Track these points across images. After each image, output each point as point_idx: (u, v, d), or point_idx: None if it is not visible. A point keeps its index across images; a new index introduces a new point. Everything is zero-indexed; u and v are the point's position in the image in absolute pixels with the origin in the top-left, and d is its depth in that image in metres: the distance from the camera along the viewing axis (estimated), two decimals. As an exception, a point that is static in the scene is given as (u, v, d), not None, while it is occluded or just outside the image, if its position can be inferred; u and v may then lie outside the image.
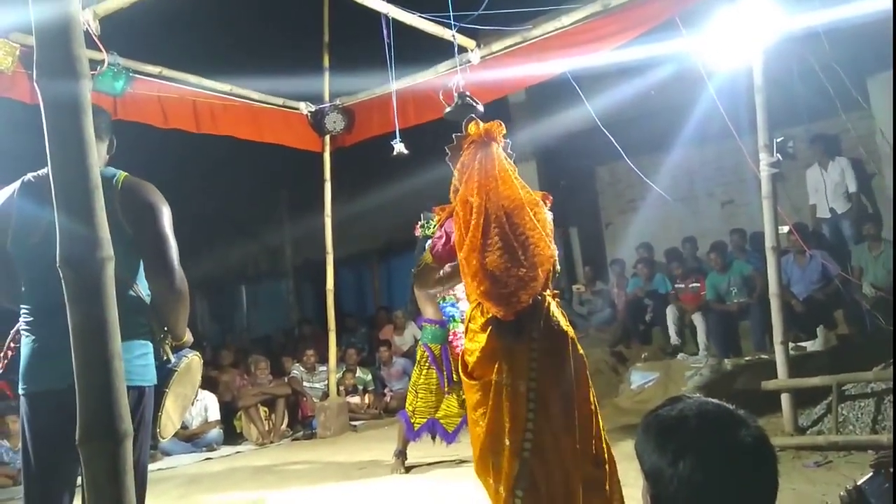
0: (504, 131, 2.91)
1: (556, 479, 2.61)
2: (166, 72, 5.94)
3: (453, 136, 2.94)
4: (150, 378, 2.21)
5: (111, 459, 1.30)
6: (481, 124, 2.88)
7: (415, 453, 5.15)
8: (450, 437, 4.78)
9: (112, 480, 1.31)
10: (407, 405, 4.89)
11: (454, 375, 4.56)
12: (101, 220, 1.39)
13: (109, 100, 5.56)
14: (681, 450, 1.14)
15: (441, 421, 4.73)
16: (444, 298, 4.69)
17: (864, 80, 6.33)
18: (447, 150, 2.97)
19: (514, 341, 2.69)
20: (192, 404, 7.24)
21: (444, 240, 3.03)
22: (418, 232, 4.85)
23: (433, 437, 4.84)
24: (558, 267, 2.87)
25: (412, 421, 4.79)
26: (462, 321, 4.48)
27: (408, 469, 5.02)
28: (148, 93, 5.88)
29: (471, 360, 2.79)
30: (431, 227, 4.63)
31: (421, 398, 4.77)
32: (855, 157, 7.13)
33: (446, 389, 4.71)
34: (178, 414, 2.35)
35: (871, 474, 1.60)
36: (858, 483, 1.58)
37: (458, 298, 4.64)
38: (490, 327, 2.73)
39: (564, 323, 2.78)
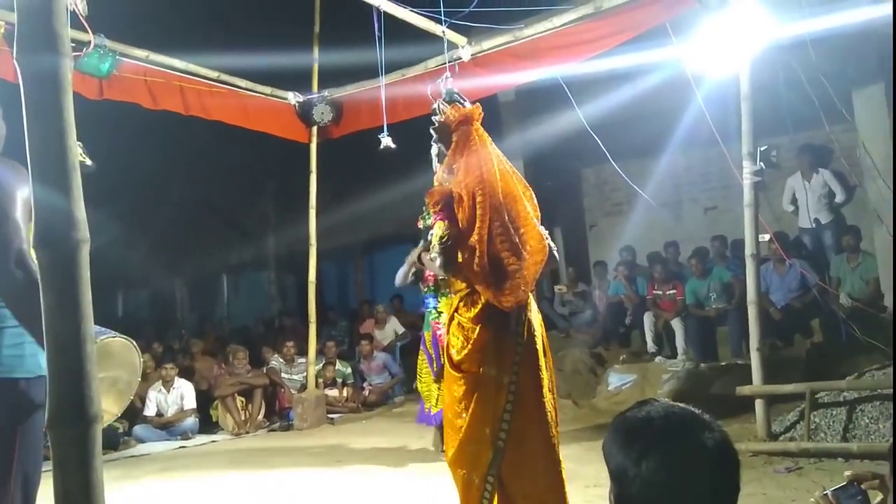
0: (482, 115, 2.96)
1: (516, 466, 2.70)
2: (153, 56, 5.88)
3: (433, 119, 2.98)
4: (27, 369, 2.01)
5: (81, 443, 1.29)
6: (460, 108, 2.95)
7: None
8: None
9: (81, 464, 1.30)
10: (423, 394, 5.23)
11: (442, 359, 4.70)
12: (78, 200, 1.37)
13: (94, 81, 5.50)
14: (645, 450, 1.15)
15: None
16: (424, 290, 5.01)
17: (850, 93, 6.40)
18: (433, 133, 3.01)
19: (504, 334, 2.76)
20: (169, 392, 7.19)
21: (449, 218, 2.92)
22: (420, 224, 4.94)
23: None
24: (557, 258, 2.91)
25: (431, 409, 5.09)
26: (440, 312, 4.84)
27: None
28: (134, 76, 5.81)
29: (458, 354, 2.83)
30: (427, 220, 4.78)
31: (424, 383, 5.17)
32: (837, 170, 7.22)
33: (435, 370, 4.97)
34: (111, 399, 2.23)
35: (845, 483, 1.62)
36: (831, 490, 1.60)
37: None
38: (480, 322, 2.77)
39: (540, 318, 2.91)
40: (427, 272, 5.11)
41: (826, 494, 1.58)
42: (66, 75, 1.38)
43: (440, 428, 4.96)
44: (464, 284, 2.89)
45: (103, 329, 2.19)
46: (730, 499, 1.16)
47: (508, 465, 2.72)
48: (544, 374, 2.81)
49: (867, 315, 6.09)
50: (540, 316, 2.92)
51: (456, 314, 2.89)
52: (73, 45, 5.23)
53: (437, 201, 2.94)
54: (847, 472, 1.66)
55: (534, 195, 2.97)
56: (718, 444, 1.16)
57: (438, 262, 2.90)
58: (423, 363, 5.21)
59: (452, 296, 3.01)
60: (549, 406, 2.79)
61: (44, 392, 1.94)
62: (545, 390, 2.80)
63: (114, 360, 2.23)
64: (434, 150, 3.08)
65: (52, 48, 1.37)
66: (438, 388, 4.96)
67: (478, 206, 2.77)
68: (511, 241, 2.76)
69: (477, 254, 2.74)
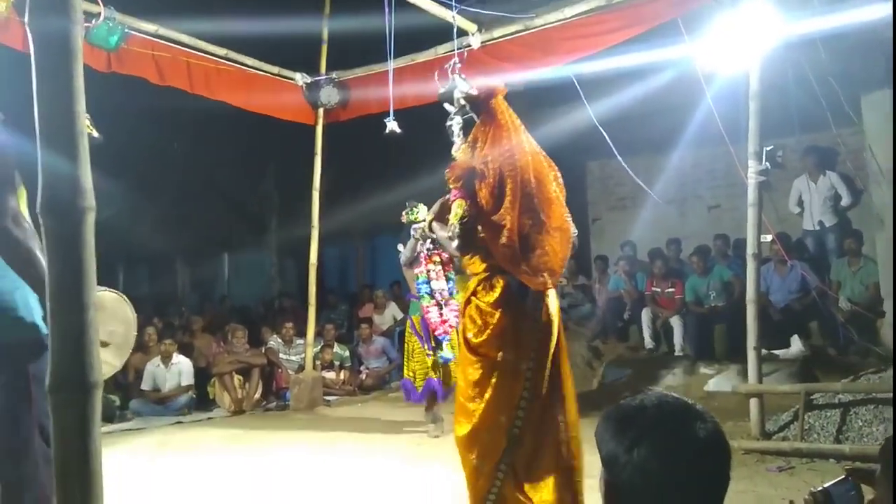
0: (506, 91, 3.01)
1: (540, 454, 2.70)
2: (162, 30, 5.87)
3: (454, 93, 2.98)
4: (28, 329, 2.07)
5: (81, 409, 1.30)
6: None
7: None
8: (443, 395, 5.42)
9: (81, 431, 1.31)
10: (406, 373, 5.60)
11: (431, 342, 5.32)
12: (85, 167, 1.37)
13: (103, 53, 5.49)
14: (637, 438, 1.16)
15: (431, 376, 5.38)
16: (417, 276, 5.36)
17: (858, 96, 6.37)
18: (455, 106, 3.01)
19: (523, 319, 2.76)
20: (168, 367, 7.22)
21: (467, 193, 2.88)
22: (404, 219, 5.44)
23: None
24: (576, 243, 2.92)
25: (415, 384, 5.46)
26: (431, 297, 5.27)
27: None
28: (142, 50, 5.80)
29: (475, 338, 2.81)
30: (415, 214, 5.34)
31: (416, 361, 5.46)
32: (843, 173, 7.20)
33: (428, 352, 5.39)
34: (109, 353, 2.27)
35: (839, 478, 1.63)
36: (826, 486, 1.61)
37: (430, 278, 5.35)
38: (500, 307, 2.76)
39: (558, 304, 2.90)
40: (422, 257, 5.35)
41: (822, 490, 1.60)
42: (76, 41, 1.38)
43: (431, 400, 5.47)
44: (482, 267, 2.87)
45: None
46: (719, 489, 1.17)
47: (523, 455, 2.71)
48: (562, 360, 2.81)
49: (865, 319, 6.10)
50: (557, 302, 2.90)
51: (473, 298, 2.86)
52: (83, 16, 5.23)
53: (459, 177, 2.88)
54: (846, 467, 1.68)
55: (560, 176, 2.95)
56: (710, 434, 1.17)
57: (455, 243, 2.86)
58: (414, 343, 5.50)
59: (470, 278, 2.99)
60: (567, 393, 2.79)
61: (47, 349, 2.04)
62: (564, 377, 2.80)
63: (107, 313, 2.26)
64: (455, 123, 3.05)
65: (63, 13, 1.37)
66: (433, 366, 5.39)
67: (507, 182, 2.74)
68: (538, 221, 2.75)
69: (506, 231, 2.70)
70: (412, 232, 5.45)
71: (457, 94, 3.02)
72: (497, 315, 2.76)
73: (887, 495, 1.50)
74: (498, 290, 2.79)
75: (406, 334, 5.64)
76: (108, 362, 2.31)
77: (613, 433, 1.20)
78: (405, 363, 5.64)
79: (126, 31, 5.53)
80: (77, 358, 1.31)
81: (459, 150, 3.00)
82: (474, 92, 2.98)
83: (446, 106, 3.08)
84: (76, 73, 1.37)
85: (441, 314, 5.34)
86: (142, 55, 5.80)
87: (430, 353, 5.39)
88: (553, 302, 2.85)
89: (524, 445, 2.72)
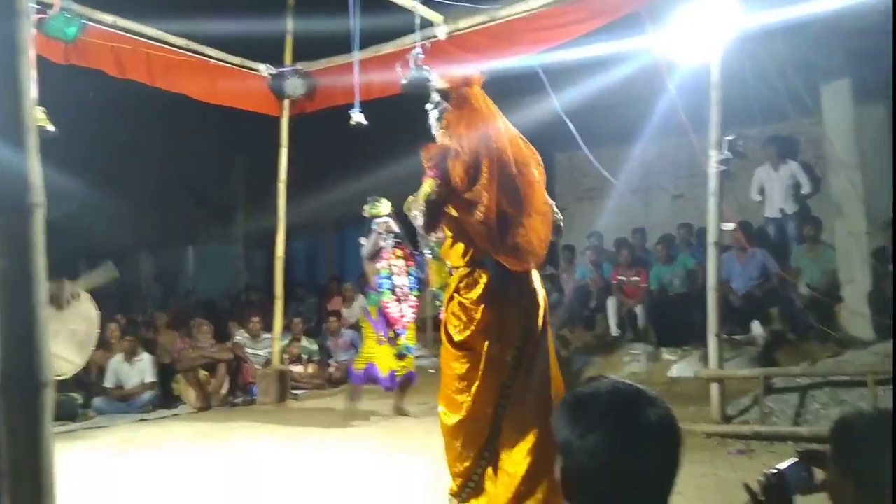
0: (482, 80, 3.03)
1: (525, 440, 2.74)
2: (121, 21, 5.74)
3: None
4: None
5: (31, 409, 1.28)
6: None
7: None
8: (384, 382, 5.61)
9: (32, 431, 1.29)
10: (356, 358, 5.91)
11: (389, 333, 5.50)
12: (34, 163, 1.35)
13: (60, 45, 5.35)
14: (590, 424, 1.18)
15: (376, 363, 5.58)
16: (380, 271, 5.50)
17: (818, 86, 6.50)
18: (433, 98, 3.06)
19: (507, 312, 2.79)
20: (132, 364, 7.11)
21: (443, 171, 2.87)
22: (366, 213, 5.55)
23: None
24: (562, 228, 2.96)
25: (354, 368, 5.75)
26: (392, 292, 5.42)
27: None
28: (101, 41, 5.67)
29: (460, 335, 2.83)
30: (377, 208, 5.48)
31: (365, 346, 5.71)
32: (804, 162, 7.36)
33: (383, 340, 5.55)
34: (72, 351, 2.25)
35: (792, 461, 1.67)
36: (779, 468, 1.65)
37: (392, 272, 5.50)
38: (483, 303, 2.79)
39: (544, 292, 2.94)
40: (384, 252, 5.48)
41: (775, 472, 1.64)
42: (22, 35, 1.35)
43: (359, 387, 5.82)
44: (462, 262, 2.88)
45: (56, 283, 2.19)
46: (671, 472, 1.19)
47: (506, 441, 2.77)
48: (548, 348, 2.86)
49: (824, 305, 6.26)
50: (543, 290, 2.93)
51: (456, 295, 2.88)
52: (39, 6, 5.10)
53: (432, 157, 2.89)
54: (798, 449, 1.72)
55: (541, 162, 2.97)
56: (662, 419, 1.19)
57: (420, 220, 2.86)
58: (368, 329, 5.70)
59: (451, 274, 3.01)
60: (552, 381, 2.84)
61: None
62: (550, 365, 2.85)
63: (69, 311, 2.23)
64: (432, 115, 3.07)
65: (8, 5, 1.33)
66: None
67: (483, 160, 2.75)
68: (518, 201, 2.77)
69: (482, 207, 2.71)
70: (374, 226, 5.51)
71: (431, 90, 3.06)
72: (481, 310, 2.79)
73: (838, 476, 1.54)
74: (481, 286, 2.81)
75: (362, 325, 5.87)
76: (70, 360, 2.29)
77: (567, 420, 1.22)
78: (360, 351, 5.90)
79: (84, 22, 5.39)
80: (27, 357, 1.29)
81: (437, 138, 3.04)
82: (444, 84, 3.00)
83: (428, 107, 3.09)
84: (23, 66, 1.34)
85: (400, 309, 5.48)
86: (101, 47, 5.67)
87: (386, 341, 5.55)
88: (537, 282, 2.89)
89: (509, 428, 2.77)
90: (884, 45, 5.91)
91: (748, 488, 1.63)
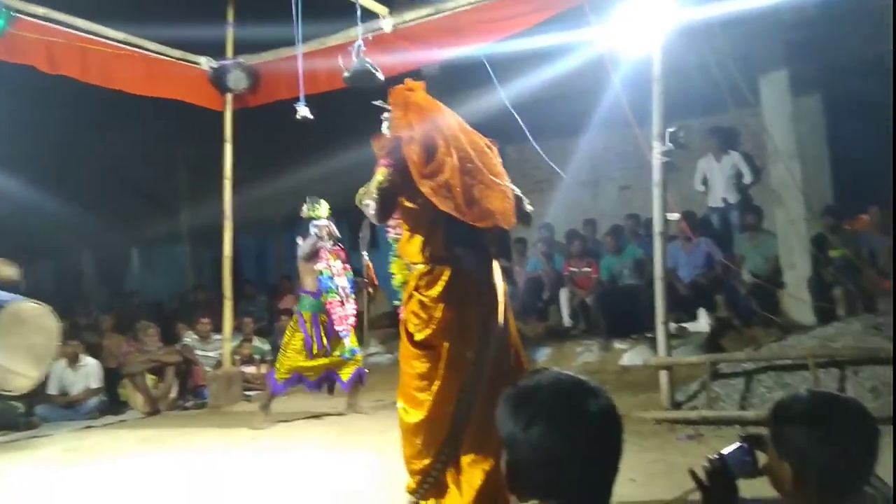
0: (423, 85, 3.05)
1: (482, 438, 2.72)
2: (53, 13, 5.52)
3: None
4: None
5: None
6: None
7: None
8: (311, 385, 5.63)
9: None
10: (276, 365, 5.63)
11: (323, 341, 5.40)
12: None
13: (-10, 38, 5.12)
14: (532, 417, 1.19)
15: (305, 374, 5.54)
16: (321, 272, 5.46)
17: (757, 78, 6.68)
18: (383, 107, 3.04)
19: (468, 309, 2.77)
20: (76, 370, 6.88)
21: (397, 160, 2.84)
22: (304, 214, 5.56)
23: (330, 390, 5.78)
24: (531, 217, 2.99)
25: (277, 377, 5.55)
26: (336, 293, 5.39)
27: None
28: (32, 35, 5.44)
29: (420, 333, 2.80)
30: (316, 210, 5.50)
31: (289, 357, 5.50)
32: (744, 152, 7.56)
33: (314, 352, 5.46)
34: (29, 364, 2.19)
35: (734, 445, 1.71)
36: (722, 453, 1.68)
37: (333, 274, 5.45)
38: (443, 301, 2.76)
39: (505, 286, 2.92)
40: (323, 253, 5.49)
41: (718, 457, 1.67)
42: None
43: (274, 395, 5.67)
44: (421, 258, 2.85)
45: (13, 295, 2.13)
46: (613, 460, 1.21)
47: (469, 439, 2.75)
48: (513, 342, 2.86)
49: (767, 291, 6.44)
50: (504, 284, 2.92)
51: (416, 293, 2.84)
52: (-40, -2, 4.87)
53: (384, 145, 2.89)
54: (740, 433, 1.76)
55: (497, 153, 2.96)
56: (602, 409, 1.21)
57: (372, 207, 2.83)
58: (293, 338, 5.51)
59: (411, 271, 2.96)
60: (514, 376, 2.82)
61: None
62: (511, 360, 2.84)
63: (26, 325, 2.19)
64: (384, 125, 3.09)
65: None
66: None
67: (439, 138, 2.76)
68: (481, 177, 2.77)
69: (447, 169, 2.70)
70: (311, 228, 5.51)
71: (375, 82, 3.04)
72: (441, 308, 2.76)
73: (776, 458, 1.58)
74: (441, 283, 2.78)
75: (289, 329, 5.62)
76: (25, 374, 2.22)
77: (511, 413, 1.23)
78: (280, 355, 5.63)
79: (13, 14, 5.17)
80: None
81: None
82: (381, 76, 2.99)
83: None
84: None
85: (345, 309, 5.47)
86: (30, 41, 5.43)
87: (314, 354, 5.47)
88: (498, 276, 2.89)
89: (470, 427, 2.76)
90: (821, 37, 6.12)
91: (693, 474, 1.66)
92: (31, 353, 2.18)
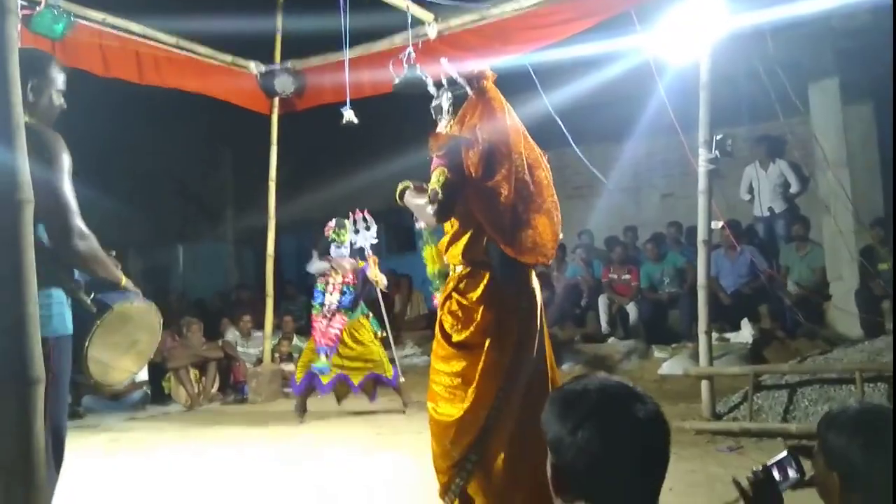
0: (495, 76, 3.02)
1: (512, 443, 2.71)
2: (110, 18, 5.70)
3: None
4: (53, 329, 2.04)
5: (20, 404, 1.27)
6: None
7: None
8: (324, 389, 5.76)
9: (20, 426, 1.28)
10: (297, 365, 5.98)
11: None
12: (22, 160, 1.34)
13: (48, 43, 5.30)
14: (580, 420, 1.20)
15: (319, 376, 5.71)
16: (317, 285, 5.82)
17: (806, 85, 6.55)
18: (441, 85, 3.00)
19: (507, 314, 2.75)
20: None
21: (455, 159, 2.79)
22: (328, 233, 5.83)
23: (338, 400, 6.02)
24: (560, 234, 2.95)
25: (296, 378, 5.88)
26: (321, 307, 5.69)
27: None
28: (89, 39, 5.63)
29: (458, 335, 2.79)
30: (342, 235, 5.76)
31: (304, 357, 5.86)
32: (792, 161, 7.41)
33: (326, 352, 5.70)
34: (130, 360, 2.31)
35: (781, 456, 1.69)
36: (768, 464, 1.67)
37: (327, 290, 5.74)
38: (483, 303, 2.75)
39: (540, 292, 2.91)
40: (327, 266, 5.77)
41: (764, 467, 1.65)
42: (10, 31, 1.34)
43: (304, 396, 5.86)
44: (462, 261, 2.84)
45: (125, 294, 2.26)
46: (660, 467, 1.21)
47: (496, 444, 2.72)
48: (546, 351, 2.83)
49: (812, 303, 6.31)
50: (539, 292, 2.91)
51: (455, 294, 2.83)
52: (25, 3, 5.06)
53: (442, 145, 2.78)
54: (788, 444, 1.74)
55: (547, 160, 2.95)
56: (650, 415, 1.21)
57: (433, 208, 2.76)
58: (310, 340, 5.93)
59: (452, 272, 2.93)
60: (547, 384, 2.80)
61: (69, 350, 2.10)
62: (547, 368, 2.82)
63: (132, 323, 2.30)
64: (444, 100, 2.98)
65: (-4, 2, 1.33)
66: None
67: (498, 153, 2.73)
68: (529, 197, 2.76)
69: (503, 198, 2.68)
70: (332, 251, 5.81)
71: (425, 88, 3.00)
72: (481, 311, 2.75)
73: (824, 469, 1.56)
74: (482, 286, 2.77)
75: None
76: (127, 369, 2.35)
77: (558, 417, 1.24)
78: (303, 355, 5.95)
79: (73, 19, 5.35)
80: (16, 352, 1.28)
81: (446, 127, 2.95)
82: (460, 75, 2.95)
83: (432, 90, 3.03)
84: (10, 62, 1.33)
85: (325, 325, 5.69)
86: (88, 45, 5.61)
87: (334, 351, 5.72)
88: (535, 283, 2.87)
89: (501, 432, 2.72)
90: (871, 45, 5.98)
91: (737, 484, 1.65)
92: (134, 349, 2.30)
